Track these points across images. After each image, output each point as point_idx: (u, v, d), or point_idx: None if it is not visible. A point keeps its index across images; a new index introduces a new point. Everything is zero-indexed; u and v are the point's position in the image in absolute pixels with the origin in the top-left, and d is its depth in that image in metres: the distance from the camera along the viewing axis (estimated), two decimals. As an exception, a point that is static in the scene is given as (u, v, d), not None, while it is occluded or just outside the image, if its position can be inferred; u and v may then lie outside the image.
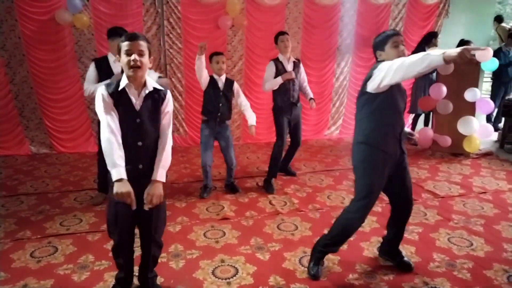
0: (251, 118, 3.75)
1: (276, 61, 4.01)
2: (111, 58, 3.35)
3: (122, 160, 1.86)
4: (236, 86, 3.79)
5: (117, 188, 1.82)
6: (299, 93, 4.13)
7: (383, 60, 2.28)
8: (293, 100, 4.03)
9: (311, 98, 4.19)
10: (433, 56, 1.92)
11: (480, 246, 2.85)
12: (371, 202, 2.33)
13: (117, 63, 3.25)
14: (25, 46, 4.97)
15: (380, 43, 2.33)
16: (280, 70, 3.97)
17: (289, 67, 4.00)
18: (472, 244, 2.88)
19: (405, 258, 2.57)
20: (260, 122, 6.07)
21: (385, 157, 2.30)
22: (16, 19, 4.87)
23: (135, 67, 1.87)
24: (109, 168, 1.84)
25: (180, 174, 4.52)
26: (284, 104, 4.00)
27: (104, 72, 3.32)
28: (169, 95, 2.06)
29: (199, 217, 3.34)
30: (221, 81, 3.68)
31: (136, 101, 1.94)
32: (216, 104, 3.66)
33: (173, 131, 5.73)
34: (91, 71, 3.41)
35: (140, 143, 1.95)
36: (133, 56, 1.86)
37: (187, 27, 5.44)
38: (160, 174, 1.98)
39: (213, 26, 5.48)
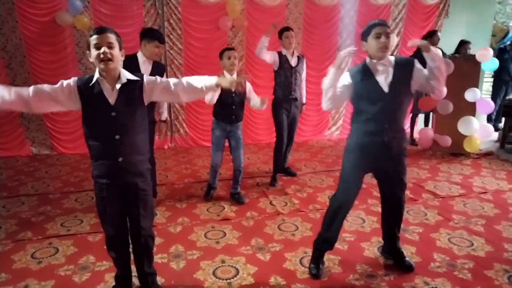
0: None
1: (280, 53, 4.04)
2: (141, 58, 3.20)
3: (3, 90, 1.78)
4: (248, 85, 3.56)
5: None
6: (300, 90, 4.17)
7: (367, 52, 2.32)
8: (294, 95, 4.06)
9: (302, 104, 4.27)
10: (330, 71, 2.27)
11: (480, 246, 2.85)
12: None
13: (146, 64, 3.18)
14: (26, 47, 4.99)
15: (364, 33, 2.30)
16: (283, 63, 4.02)
17: (293, 61, 4.04)
18: (472, 244, 2.88)
19: (407, 259, 2.57)
20: (260, 123, 6.13)
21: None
22: (16, 21, 4.89)
23: (106, 60, 1.84)
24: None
25: (180, 174, 4.52)
26: (285, 98, 4.05)
27: (132, 71, 3.23)
28: (145, 77, 2.01)
29: (199, 217, 3.35)
30: None
31: (110, 95, 1.91)
32: (229, 107, 3.49)
33: (173, 132, 5.79)
34: None
35: (117, 137, 1.93)
36: (103, 49, 1.83)
37: (188, 28, 5.45)
38: (208, 79, 2.01)
39: (213, 27, 5.50)
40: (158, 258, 2.60)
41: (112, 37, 1.87)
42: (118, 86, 1.92)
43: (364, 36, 2.31)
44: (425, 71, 2.28)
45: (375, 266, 2.59)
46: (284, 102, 4.07)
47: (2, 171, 4.58)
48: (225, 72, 3.40)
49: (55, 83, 1.91)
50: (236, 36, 5.69)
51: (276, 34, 4.09)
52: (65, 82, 1.89)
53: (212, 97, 3.15)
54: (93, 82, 1.90)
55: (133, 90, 1.96)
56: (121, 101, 1.92)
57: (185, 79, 2.04)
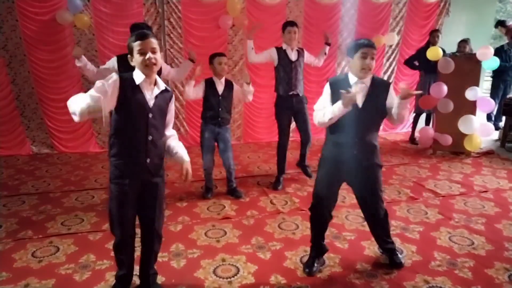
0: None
1: (279, 49, 3.99)
2: None
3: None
4: (235, 87, 3.73)
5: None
6: (302, 85, 4.09)
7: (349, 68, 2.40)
8: (295, 91, 3.97)
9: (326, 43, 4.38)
10: (335, 106, 2.25)
11: (481, 245, 2.85)
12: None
13: None
14: (26, 46, 4.98)
15: (351, 50, 2.32)
16: (282, 58, 3.96)
17: (293, 56, 3.98)
18: (473, 243, 2.88)
19: (395, 256, 2.57)
20: (260, 122, 6.13)
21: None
22: (16, 19, 4.88)
23: (151, 65, 1.93)
24: (84, 102, 1.80)
25: (181, 173, 4.51)
26: (285, 94, 3.97)
27: (128, 70, 3.22)
28: (173, 95, 2.15)
29: (200, 216, 3.35)
30: (220, 84, 3.60)
31: (150, 98, 2.00)
32: (216, 110, 3.60)
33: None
34: (111, 66, 3.43)
35: (150, 138, 2.02)
36: (148, 55, 1.91)
37: (188, 27, 5.45)
38: (187, 154, 2.20)
39: (213, 25, 5.49)
40: (158, 257, 2.57)
41: (154, 42, 1.96)
42: (157, 91, 2.02)
43: (350, 52, 2.34)
44: (396, 100, 2.32)
45: (375, 264, 2.59)
46: (285, 101, 3.99)
47: (2, 170, 4.58)
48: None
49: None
50: (236, 34, 5.69)
51: (273, 34, 4.07)
52: (109, 77, 1.89)
53: (191, 93, 3.52)
54: (138, 82, 1.95)
55: (166, 97, 2.08)
56: (157, 105, 2.03)
57: (174, 142, 2.19)
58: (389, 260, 2.59)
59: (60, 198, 3.74)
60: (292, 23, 3.96)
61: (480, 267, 2.56)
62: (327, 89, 2.42)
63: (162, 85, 2.06)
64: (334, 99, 2.33)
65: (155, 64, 1.94)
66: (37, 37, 4.96)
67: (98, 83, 1.83)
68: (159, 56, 1.97)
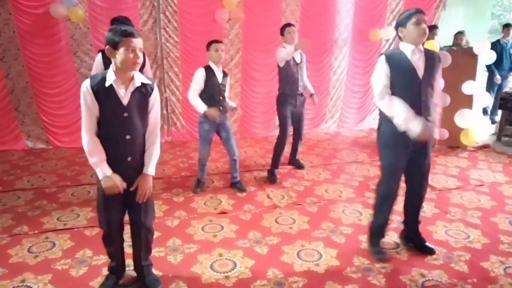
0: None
1: (283, 49, 4.05)
2: None
3: (103, 156, 1.97)
4: (228, 79, 3.73)
5: (104, 184, 1.96)
6: (304, 85, 4.24)
7: (402, 38, 2.41)
8: (300, 90, 4.14)
9: (312, 94, 4.29)
10: (412, 126, 2.26)
11: (477, 238, 2.86)
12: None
13: None
14: (20, 40, 4.93)
15: (403, 20, 2.38)
16: (289, 59, 4.03)
17: (297, 57, 4.07)
18: (469, 237, 2.89)
19: (427, 243, 2.67)
20: (257, 116, 6.11)
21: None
22: (10, 13, 4.83)
23: (138, 64, 1.91)
24: (93, 167, 1.98)
25: (177, 168, 4.51)
26: (292, 94, 4.09)
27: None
28: (156, 88, 2.08)
29: (197, 211, 3.34)
30: (219, 72, 3.56)
31: (124, 96, 1.96)
32: (217, 98, 3.55)
33: (170, 125, 5.76)
34: (98, 63, 3.41)
35: (128, 137, 1.99)
36: (139, 54, 1.90)
37: (184, 21, 5.40)
38: (152, 168, 2.09)
39: (209, 19, 5.44)
40: (155, 252, 2.59)
41: (142, 43, 1.94)
42: (132, 88, 1.97)
43: (402, 22, 2.39)
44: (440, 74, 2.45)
45: (372, 259, 2.60)
46: (290, 98, 4.10)
47: (-3, 165, 4.55)
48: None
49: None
50: (232, 28, 5.65)
51: (269, 28, 4.08)
52: (83, 95, 1.91)
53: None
54: (109, 84, 1.92)
55: (144, 93, 2.02)
56: (133, 103, 1.99)
57: (155, 151, 2.10)
58: (420, 247, 2.67)
59: (55, 193, 3.72)
60: (289, 24, 4.10)
61: (476, 260, 2.57)
62: (382, 65, 2.40)
63: (138, 80, 1.99)
64: (393, 74, 2.36)
65: (140, 64, 1.93)
66: (31, 30, 4.91)
67: (83, 109, 1.91)
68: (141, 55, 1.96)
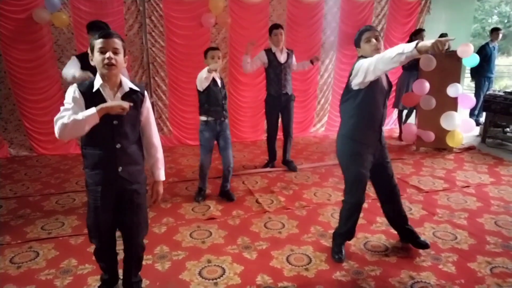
0: None
1: (268, 51, 4.18)
2: None
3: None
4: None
5: (106, 109, 1.77)
6: (291, 85, 4.32)
7: (362, 56, 2.44)
8: (285, 90, 4.21)
9: (311, 60, 4.48)
10: (407, 45, 2.08)
11: (464, 239, 2.89)
12: (360, 188, 2.55)
13: None
14: (1, 45, 4.83)
15: (356, 40, 2.50)
16: (272, 60, 4.18)
17: (282, 58, 4.17)
18: (456, 238, 2.91)
19: (421, 239, 2.73)
20: (244, 121, 6.09)
21: (366, 149, 2.50)
22: (-9, 18, 4.73)
23: (110, 65, 1.80)
24: (82, 119, 1.73)
25: (165, 174, 4.44)
26: (277, 94, 4.22)
27: (88, 69, 3.15)
28: (147, 96, 2.02)
29: (184, 217, 3.30)
30: (218, 77, 3.52)
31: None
32: (219, 102, 3.49)
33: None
34: (73, 64, 3.35)
35: (118, 145, 1.90)
36: (108, 54, 1.79)
37: (170, 25, 5.37)
38: (162, 174, 2.14)
39: (196, 24, 5.42)
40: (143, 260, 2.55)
41: (118, 43, 1.84)
42: (120, 94, 1.89)
43: (356, 42, 2.51)
44: None
45: (361, 262, 2.60)
46: (276, 99, 4.25)
47: (-21, 174, 4.43)
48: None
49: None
50: (219, 33, 5.64)
51: (256, 32, 4.15)
52: (73, 98, 1.80)
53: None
54: (96, 88, 1.84)
55: (135, 100, 1.93)
56: None
57: (161, 156, 2.14)
58: (414, 243, 2.72)
59: (39, 202, 3.64)
60: (277, 26, 4.17)
61: (463, 261, 2.59)
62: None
63: (127, 86, 1.91)
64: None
65: (114, 65, 1.80)
66: (14, 36, 4.81)
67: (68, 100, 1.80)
68: (121, 58, 1.85)
